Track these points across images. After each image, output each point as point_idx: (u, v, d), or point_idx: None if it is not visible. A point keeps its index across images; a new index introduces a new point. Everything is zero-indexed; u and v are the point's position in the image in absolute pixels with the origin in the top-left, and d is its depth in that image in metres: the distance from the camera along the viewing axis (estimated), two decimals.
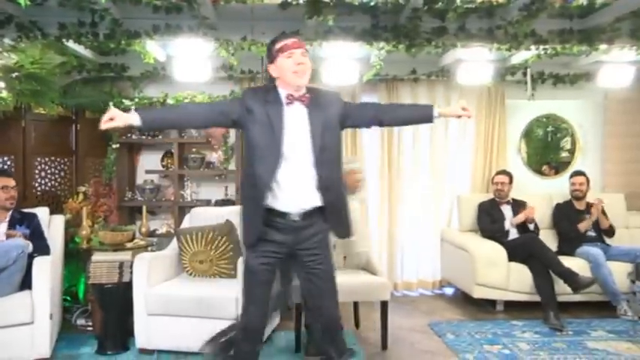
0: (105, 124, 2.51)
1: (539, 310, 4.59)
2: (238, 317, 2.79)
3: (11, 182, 4.01)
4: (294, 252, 2.68)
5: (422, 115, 2.75)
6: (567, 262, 4.63)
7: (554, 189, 5.76)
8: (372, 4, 4.16)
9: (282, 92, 2.59)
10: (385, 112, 2.77)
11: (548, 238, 5.13)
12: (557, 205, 5.37)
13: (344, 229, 2.78)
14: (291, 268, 2.88)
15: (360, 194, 4.24)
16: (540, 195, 5.55)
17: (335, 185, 2.66)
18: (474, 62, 5.00)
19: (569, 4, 4.26)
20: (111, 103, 4.79)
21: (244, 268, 2.74)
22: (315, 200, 2.62)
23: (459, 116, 2.74)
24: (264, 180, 2.55)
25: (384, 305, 3.97)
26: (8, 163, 4.92)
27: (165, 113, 2.76)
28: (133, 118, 2.52)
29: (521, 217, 5.05)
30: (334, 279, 2.75)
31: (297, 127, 2.57)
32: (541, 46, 4.43)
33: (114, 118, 2.49)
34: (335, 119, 2.64)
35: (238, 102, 2.64)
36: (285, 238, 2.63)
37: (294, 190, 2.58)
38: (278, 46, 2.56)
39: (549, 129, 6.07)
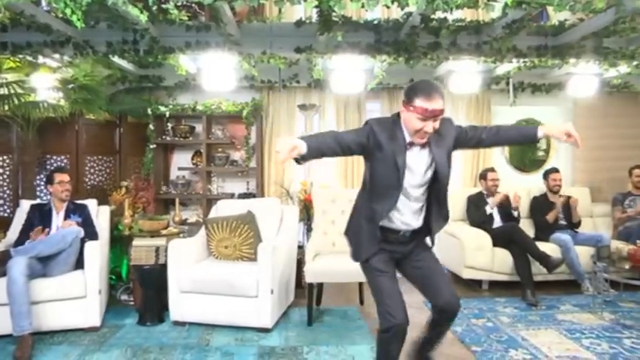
0: (287, 157, 2.14)
1: (518, 289, 4.62)
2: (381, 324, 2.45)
3: (67, 177, 4.04)
4: (403, 257, 2.58)
5: (526, 137, 2.49)
6: (542, 246, 4.65)
7: (531, 183, 5.77)
8: (375, 22, 4.23)
9: (405, 135, 2.33)
10: (490, 135, 2.47)
11: (527, 226, 5.12)
12: (534, 198, 5.37)
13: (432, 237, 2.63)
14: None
15: None
16: (520, 188, 5.50)
17: (443, 208, 2.50)
18: (464, 73, 5.02)
19: (544, 24, 4.34)
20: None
21: (370, 273, 2.51)
22: (422, 221, 2.52)
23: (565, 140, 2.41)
24: (381, 216, 2.41)
25: None
26: (65, 161, 5.02)
27: (321, 144, 2.28)
28: (302, 148, 2.16)
29: (497, 199, 5.06)
30: (439, 263, 2.59)
31: (417, 168, 2.37)
32: (521, 60, 4.47)
33: (294, 149, 2.14)
34: (451, 149, 2.42)
35: (368, 133, 2.32)
36: (395, 248, 2.53)
37: (409, 218, 2.46)
38: (418, 100, 2.21)
39: None
